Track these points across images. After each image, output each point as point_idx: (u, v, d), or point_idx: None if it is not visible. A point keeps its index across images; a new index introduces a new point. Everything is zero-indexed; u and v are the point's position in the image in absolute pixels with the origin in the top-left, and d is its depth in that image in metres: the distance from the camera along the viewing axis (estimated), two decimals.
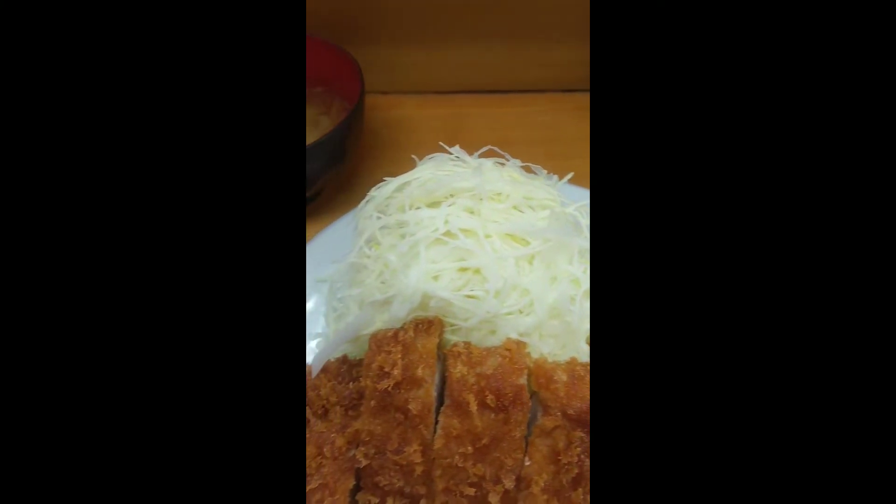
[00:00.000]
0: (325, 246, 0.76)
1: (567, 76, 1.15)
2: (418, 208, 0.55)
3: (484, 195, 0.55)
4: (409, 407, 0.50)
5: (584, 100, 1.20)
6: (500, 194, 0.56)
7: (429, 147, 0.70)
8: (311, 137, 0.78)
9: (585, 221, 0.59)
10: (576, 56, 1.09)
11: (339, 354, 0.63)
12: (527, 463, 0.49)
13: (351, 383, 0.58)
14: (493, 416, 0.49)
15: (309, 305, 0.72)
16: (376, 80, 0.99)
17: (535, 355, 0.55)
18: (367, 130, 1.03)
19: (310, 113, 0.92)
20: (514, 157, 0.64)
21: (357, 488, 0.54)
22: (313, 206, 0.94)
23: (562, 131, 1.10)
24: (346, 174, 0.97)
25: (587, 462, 0.49)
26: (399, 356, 0.52)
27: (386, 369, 0.52)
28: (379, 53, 1.04)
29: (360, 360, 0.62)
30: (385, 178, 0.63)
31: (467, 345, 0.53)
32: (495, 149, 0.63)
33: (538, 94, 1.18)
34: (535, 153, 0.72)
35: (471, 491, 0.48)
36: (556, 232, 0.54)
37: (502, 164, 0.62)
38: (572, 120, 1.14)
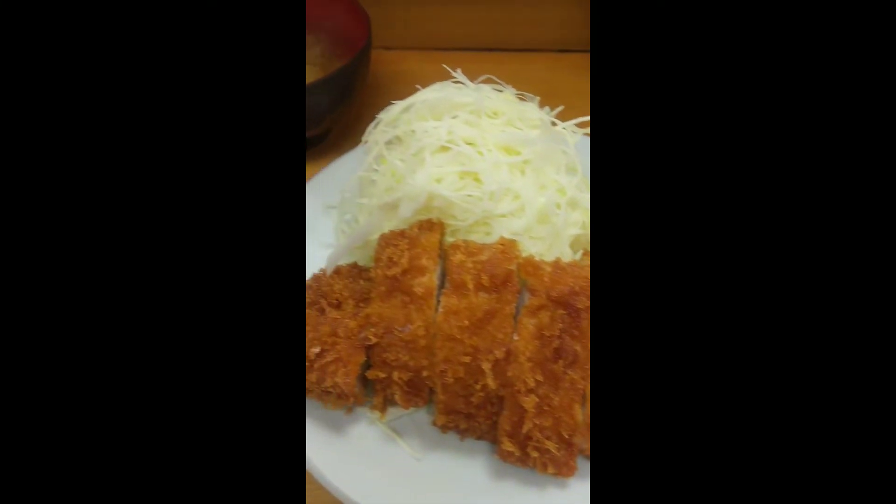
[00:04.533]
0: (333, 177, 0.83)
1: (564, 37, 1.22)
2: (425, 121, 0.62)
3: (482, 111, 0.62)
4: (415, 290, 0.57)
5: (581, 60, 1.27)
6: (496, 112, 0.63)
7: None
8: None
9: (573, 139, 0.66)
10: (571, 16, 1.16)
11: (349, 262, 0.70)
12: (515, 338, 0.57)
13: (361, 281, 0.66)
14: (486, 295, 0.56)
15: (320, 228, 0.79)
16: (382, 36, 1.05)
17: (524, 254, 0.62)
18: (371, 83, 1.09)
19: (318, 56, 0.98)
20: None
21: (367, 366, 0.61)
22: (320, 148, 1.01)
23: (558, 86, 1.17)
24: (351, 119, 1.04)
25: (567, 338, 0.56)
26: (406, 248, 0.59)
27: (394, 259, 0.59)
28: (385, 10, 1.10)
29: (368, 267, 0.69)
30: (392, 102, 0.70)
31: (465, 240, 0.60)
32: (493, 77, 0.70)
33: (536, 52, 1.24)
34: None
35: (466, 360, 0.55)
36: (545, 143, 0.60)
37: (500, 91, 0.69)
38: (569, 77, 1.20)
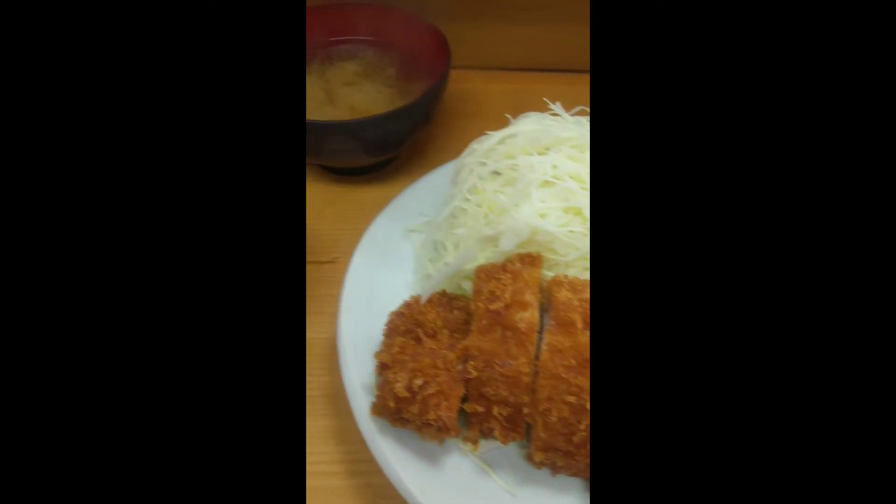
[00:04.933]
0: (412, 200, 0.83)
1: None
2: (529, 155, 0.62)
3: (586, 144, 0.61)
4: (517, 325, 0.57)
5: None
6: None
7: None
8: (403, 103, 0.85)
9: None
10: None
11: (437, 289, 0.70)
12: None
13: (454, 311, 0.66)
14: None
15: (402, 252, 0.79)
16: None
17: None
18: None
19: (393, 78, 0.99)
20: None
21: (464, 399, 0.61)
22: (389, 170, 1.02)
23: None
24: (419, 141, 1.04)
25: None
26: (509, 282, 0.59)
27: (496, 293, 0.59)
28: (450, 29, 1.11)
29: (457, 295, 0.69)
30: (487, 132, 0.70)
31: (567, 276, 0.60)
32: (585, 108, 0.70)
33: None
34: None
35: (571, 399, 0.55)
36: None
37: None
38: None
